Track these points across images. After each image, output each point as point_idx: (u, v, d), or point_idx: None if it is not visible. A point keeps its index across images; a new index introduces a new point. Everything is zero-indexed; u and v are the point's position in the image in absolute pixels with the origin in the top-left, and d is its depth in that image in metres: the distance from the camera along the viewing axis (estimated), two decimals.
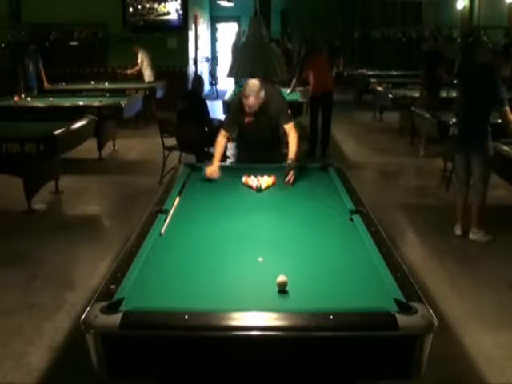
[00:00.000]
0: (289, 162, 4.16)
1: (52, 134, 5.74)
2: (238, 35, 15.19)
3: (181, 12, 12.54)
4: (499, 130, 4.99)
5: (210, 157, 6.84)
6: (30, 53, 9.88)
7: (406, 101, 9.12)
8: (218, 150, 4.34)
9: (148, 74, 11.49)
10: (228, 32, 18.33)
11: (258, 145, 4.51)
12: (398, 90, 10.04)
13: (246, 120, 4.37)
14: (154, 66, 11.50)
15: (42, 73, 10.12)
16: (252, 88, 4.11)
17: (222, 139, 4.39)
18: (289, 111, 4.55)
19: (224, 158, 7.24)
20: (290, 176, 3.97)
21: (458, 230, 5.17)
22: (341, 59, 14.02)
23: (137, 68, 11.49)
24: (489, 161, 4.90)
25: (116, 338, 2.02)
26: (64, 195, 6.46)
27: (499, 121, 4.96)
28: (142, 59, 11.41)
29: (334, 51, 13.95)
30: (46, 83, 10.21)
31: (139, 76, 11.49)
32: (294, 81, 8.47)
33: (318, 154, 8.21)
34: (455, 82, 10.59)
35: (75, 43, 12.58)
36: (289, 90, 8.37)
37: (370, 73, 13.65)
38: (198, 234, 3.00)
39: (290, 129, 4.38)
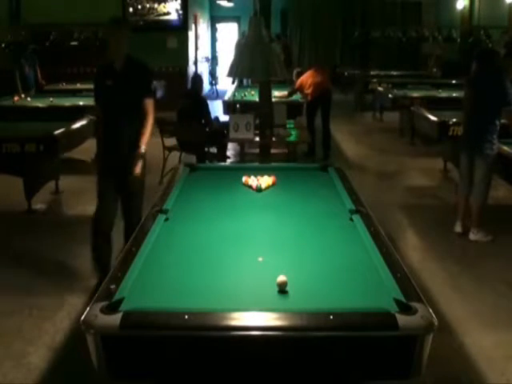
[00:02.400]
0: (140, 150, 3.70)
1: (52, 134, 5.74)
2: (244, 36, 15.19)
3: (181, 12, 12.54)
4: (503, 130, 4.99)
5: (210, 157, 6.86)
6: (26, 54, 9.89)
7: (405, 101, 9.10)
8: None
9: None
10: (228, 32, 18.31)
11: (118, 121, 3.82)
12: (397, 90, 10.03)
13: (108, 83, 3.87)
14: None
15: (39, 74, 10.11)
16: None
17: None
18: (152, 86, 3.98)
19: (224, 157, 7.25)
20: (138, 166, 3.66)
21: (458, 228, 5.17)
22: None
23: None
24: (492, 163, 4.90)
25: (116, 338, 2.02)
26: (64, 195, 6.46)
27: (503, 121, 4.97)
28: None
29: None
30: (43, 83, 10.20)
31: None
32: (285, 92, 8.45)
33: (320, 156, 8.20)
34: (454, 82, 10.72)
35: (75, 43, 12.58)
36: (277, 94, 8.32)
37: (370, 73, 13.64)
38: (198, 234, 3.00)
39: (148, 106, 3.78)
